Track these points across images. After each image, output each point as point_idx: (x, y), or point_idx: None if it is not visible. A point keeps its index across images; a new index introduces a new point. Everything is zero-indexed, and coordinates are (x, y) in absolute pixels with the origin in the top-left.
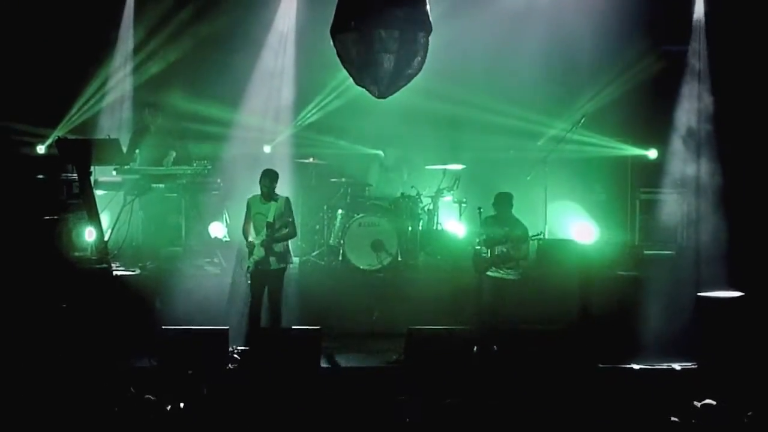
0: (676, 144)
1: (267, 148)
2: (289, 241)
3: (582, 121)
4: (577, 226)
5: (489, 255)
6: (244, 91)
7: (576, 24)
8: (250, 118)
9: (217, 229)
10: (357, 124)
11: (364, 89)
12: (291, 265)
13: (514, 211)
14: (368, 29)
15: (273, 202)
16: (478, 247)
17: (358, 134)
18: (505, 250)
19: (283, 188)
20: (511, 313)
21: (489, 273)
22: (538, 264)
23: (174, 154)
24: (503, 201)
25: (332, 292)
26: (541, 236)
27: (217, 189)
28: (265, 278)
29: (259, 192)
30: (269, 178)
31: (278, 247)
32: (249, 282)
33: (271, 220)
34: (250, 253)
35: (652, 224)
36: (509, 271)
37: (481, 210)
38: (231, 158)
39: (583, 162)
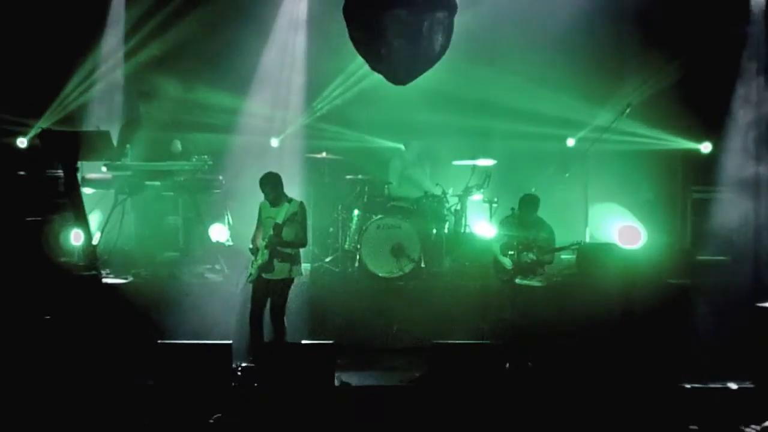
0: (733, 136)
1: (275, 142)
2: (300, 249)
3: (627, 110)
4: (621, 229)
5: (515, 261)
6: (250, 78)
7: (622, 3)
8: (256, 108)
9: (219, 232)
10: (375, 114)
11: (381, 76)
12: (300, 278)
13: (547, 213)
14: (383, 9)
15: (285, 205)
16: (504, 257)
17: (377, 126)
18: (534, 256)
19: (292, 186)
20: (548, 325)
21: (517, 281)
22: (578, 270)
23: (179, 143)
24: (529, 204)
25: (347, 302)
26: (580, 245)
27: (219, 187)
28: (268, 288)
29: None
30: (269, 185)
31: (284, 253)
32: (251, 291)
33: (280, 221)
34: (254, 258)
35: (706, 227)
36: (537, 278)
37: (515, 210)
38: (234, 153)
39: (629, 157)
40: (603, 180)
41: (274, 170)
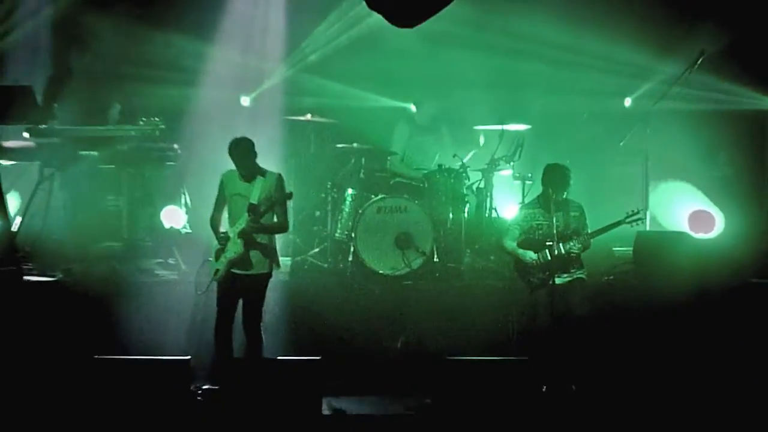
0: None
1: (246, 100)
2: (277, 239)
3: (701, 60)
4: (691, 214)
5: (546, 259)
6: (214, 18)
7: None
8: (222, 57)
9: (173, 217)
10: (377, 65)
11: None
12: (279, 271)
13: (596, 193)
14: None
15: (259, 180)
16: (526, 251)
17: (379, 80)
18: (579, 244)
19: (268, 158)
20: (597, 336)
21: (557, 281)
22: (636, 267)
23: (119, 107)
24: (558, 178)
25: (339, 306)
26: (640, 217)
27: (174, 159)
28: (241, 286)
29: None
30: (243, 154)
31: (263, 242)
32: (216, 291)
33: (255, 201)
34: (222, 250)
35: None
36: (579, 270)
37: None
38: (194, 115)
39: (702, 120)
40: (668, 150)
41: (246, 136)
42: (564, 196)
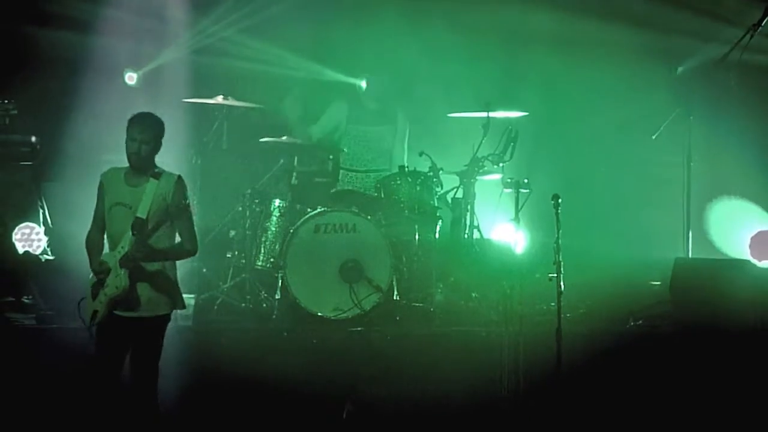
0: None
1: (131, 77)
2: (179, 266)
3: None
4: (754, 236)
5: None
6: None
7: None
8: (101, 17)
9: (29, 238)
10: (323, 24)
11: None
12: (182, 313)
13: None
14: None
15: (150, 183)
16: None
17: (318, 46)
18: None
19: (161, 159)
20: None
21: None
22: (675, 304)
23: None
24: None
25: (261, 363)
26: None
27: (31, 157)
28: (128, 334)
29: (122, 164)
30: (141, 127)
31: (156, 270)
32: (95, 341)
33: (143, 215)
34: (100, 284)
35: None
36: None
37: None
38: (59, 96)
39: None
40: (720, 146)
41: None
42: None
